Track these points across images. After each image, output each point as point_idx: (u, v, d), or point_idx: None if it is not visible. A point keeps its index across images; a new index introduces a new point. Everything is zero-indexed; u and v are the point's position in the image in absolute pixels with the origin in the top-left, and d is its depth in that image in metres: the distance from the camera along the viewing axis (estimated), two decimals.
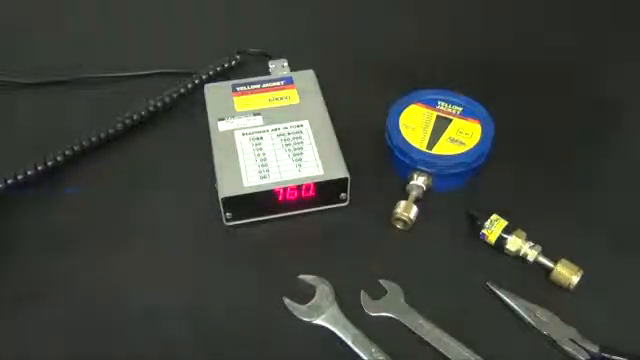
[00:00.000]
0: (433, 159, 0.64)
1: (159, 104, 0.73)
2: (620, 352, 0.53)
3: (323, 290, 0.58)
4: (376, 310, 0.57)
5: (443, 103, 0.69)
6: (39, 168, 0.66)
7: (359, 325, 0.56)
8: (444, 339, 0.55)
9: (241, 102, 0.69)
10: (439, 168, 0.64)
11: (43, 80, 0.78)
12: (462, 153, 0.64)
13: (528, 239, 0.60)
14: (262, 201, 0.62)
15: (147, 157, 0.71)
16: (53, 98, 0.77)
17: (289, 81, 0.72)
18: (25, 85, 0.78)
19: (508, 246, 0.60)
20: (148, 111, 0.72)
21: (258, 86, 0.71)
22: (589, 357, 0.54)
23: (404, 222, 0.63)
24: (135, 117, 0.71)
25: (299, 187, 0.62)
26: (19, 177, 0.65)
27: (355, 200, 0.65)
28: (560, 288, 0.58)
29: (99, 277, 0.60)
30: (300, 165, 0.63)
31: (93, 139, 0.69)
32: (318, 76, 0.72)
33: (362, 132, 0.71)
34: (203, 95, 0.71)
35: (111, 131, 0.70)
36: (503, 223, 0.61)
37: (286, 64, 0.75)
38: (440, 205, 0.65)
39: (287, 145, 0.65)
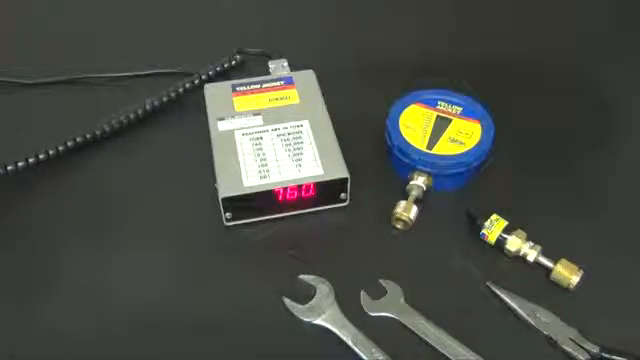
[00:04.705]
0: (433, 159, 0.64)
1: (158, 104, 0.73)
2: (620, 352, 0.53)
3: (323, 290, 0.58)
4: (376, 310, 0.57)
5: (443, 103, 0.69)
6: (33, 160, 0.66)
7: (359, 325, 0.56)
8: (444, 339, 0.55)
9: (241, 102, 0.69)
10: (439, 168, 0.64)
11: (43, 80, 0.78)
12: (462, 153, 0.64)
13: (528, 239, 0.60)
14: (262, 201, 0.62)
15: (147, 157, 0.71)
16: (53, 98, 0.77)
17: (289, 81, 0.72)
18: (25, 85, 0.78)
19: (508, 246, 0.60)
20: (145, 111, 0.72)
21: (258, 86, 0.71)
22: (589, 357, 0.54)
23: (404, 222, 0.63)
24: (132, 116, 0.71)
25: (299, 187, 0.62)
26: (19, 163, 0.65)
27: (355, 200, 0.65)
28: (560, 288, 0.59)
29: (98, 276, 0.60)
30: (300, 165, 0.63)
31: (88, 136, 0.69)
32: (318, 76, 0.72)
33: (362, 132, 0.71)
34: (203, 95, 0.71)
35: (108, 129, 0.70)
36: (503, 223, 0.61)
37: (286, 64, 0.75)
38: (440, 205, 0.65)
39: (287, 145, 0.65)
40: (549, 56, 0.84)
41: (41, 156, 0.66)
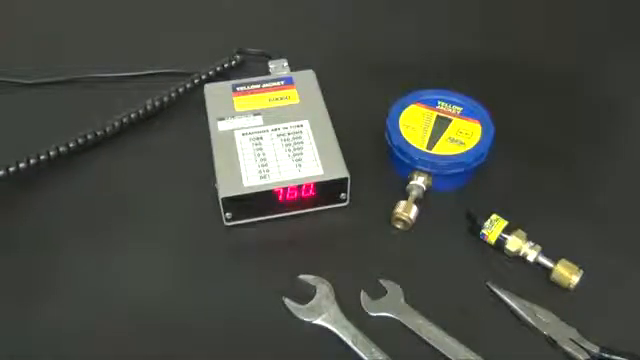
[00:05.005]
0: (433, 159, 0.64)
1: (158, 104, 0.73)
2: (620, 352, 0.53)
3: (323, 290, 0.58)
4: (376, 310, 0.57)
5: (443, 103, 0.69)
6: (34, 160, 0.66)
7: (359, 325, 0.56)
8: (444, 339, 0.55)
9: (241, 102, 0.69)
10: (439, 168, 0.64)
11: (43, 80, 0.78)
12: (462, 153, 0.64)
13: (528, 239, 0.60)
14: (262, 201, 0.62)
15: (147, 157, 0.71)
16: (53, 98, 0.77)
17: (289, 81, 0.72)
18: (25, 85, 0.78)
19: (508, 246, 0.60)
20: (146, 111, 0.72)
21: (258, 86, 0.71)
22: (589, 357, 0.54)
23: (404, 222, 0.63)
24: (133, 116, 0.71)
25: (299, 187, 0.62)
26: (21, 165, 0.65)
27: (355, 200, 0.65)
28: (560, 288, 0.58)
29: (98, 276, 0.60)
30: (300, 165, 0.63)
31: (89, 136, 0.69)
32: (318, 76, 0.72)
33: (362, 132, 0.71)
34: (203, 95, 0.71)
35: (108, 129, 0.70)
36: (503, 223, 0.61)
37: (286, 64, 0.75)
38: (440, 205, 0.65)
39: (287, 145, 0.65)
40: (549, 56, 0.84)
41: (42, 157, 0.66)
